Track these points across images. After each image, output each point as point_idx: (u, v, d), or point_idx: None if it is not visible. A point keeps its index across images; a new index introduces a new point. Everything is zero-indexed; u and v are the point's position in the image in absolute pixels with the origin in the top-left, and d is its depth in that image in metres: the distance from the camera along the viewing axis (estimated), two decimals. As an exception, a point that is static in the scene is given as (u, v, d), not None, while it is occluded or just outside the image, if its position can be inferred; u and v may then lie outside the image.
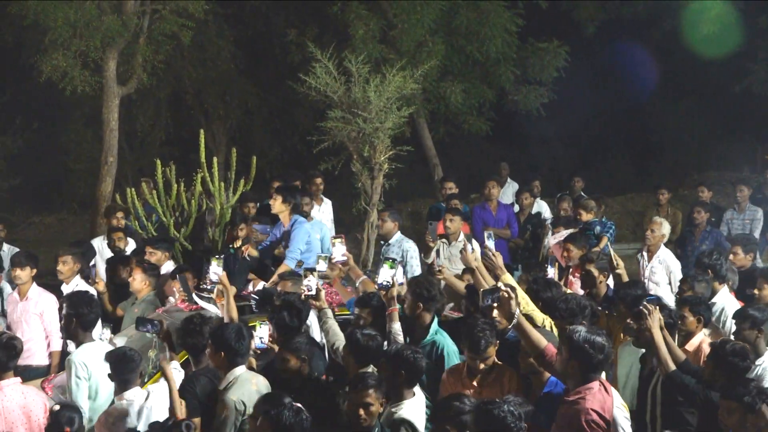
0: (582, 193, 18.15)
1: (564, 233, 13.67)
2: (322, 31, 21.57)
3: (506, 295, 7.27)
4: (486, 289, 7.61)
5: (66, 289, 12.06)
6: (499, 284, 7.75)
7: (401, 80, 14.33)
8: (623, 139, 30.11)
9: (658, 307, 8.28)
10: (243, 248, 12.45)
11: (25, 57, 21.04)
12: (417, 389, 7.78)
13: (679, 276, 12.75)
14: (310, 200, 14.81)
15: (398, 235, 13.45)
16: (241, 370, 8.15)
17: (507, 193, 18.56)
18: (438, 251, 14.04)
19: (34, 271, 11.84)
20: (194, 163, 15.39)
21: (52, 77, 18.42)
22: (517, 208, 17.14)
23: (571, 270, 12.24)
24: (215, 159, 14.62)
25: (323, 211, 15.71)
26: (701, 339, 9.01)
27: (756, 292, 10.91)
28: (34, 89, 22.05)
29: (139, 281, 11.59)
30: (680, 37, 23.71)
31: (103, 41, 18.44)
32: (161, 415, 8.14)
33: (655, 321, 8.02)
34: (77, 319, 9.34)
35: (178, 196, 14.40)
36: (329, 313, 9.23)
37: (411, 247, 13.29)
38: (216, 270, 9.78)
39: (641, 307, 8.17)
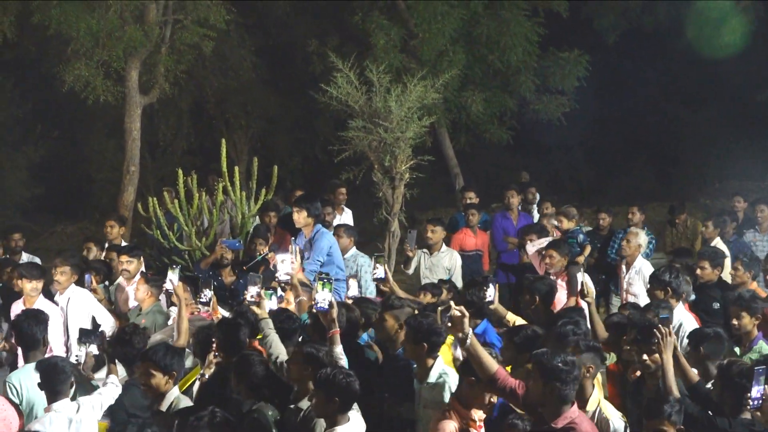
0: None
1: (542, 241, 13.58)
2: (344, 40, 21.60)
3: (458, 315, 7.13)
4: (443, 309, 7.47)
5: (60, 299, 11.98)
6: (451, 303, 7.50)
7: (422, 90, 14.35)
8: (645, 148, 30.01)
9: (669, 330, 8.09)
10: (269, 256, 12.43)
11: (48, 67, 21.13)
12: (352, 413, 7.54)
13: None
14: (332, 210, 14.82)
15: (353, 251, 13.40)
16: (177, 391, 8.15)
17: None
18: (419, 261, 14.08)
19: (41, 282, 11.81)
20: (216, 172, 15.45)
21: (74, 87, 18.50)
22: (537, 216, 17.11)
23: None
24: (237, 168, 14.65)
25: (344, 221, 15.70)
26: None
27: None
28: (57, 99, 22.16)
29: (142, 292, 11.58)
30: (701, 45, 23.64)
31: (126, 51, 18.51)
32: (92, 428, 8.13)
33: (668, 345, 7.80)
34: (21, 338, 9.34)
35: (200, 205, 14.45)
36: (270, 323, 8.94)
37: (365, 263, 13.09)
38: (172, 278, 9.88)
39: (654, 330, 7.95)
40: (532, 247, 13.43)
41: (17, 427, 7.97)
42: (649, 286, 11.13)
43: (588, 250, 13.83)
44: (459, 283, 13.55)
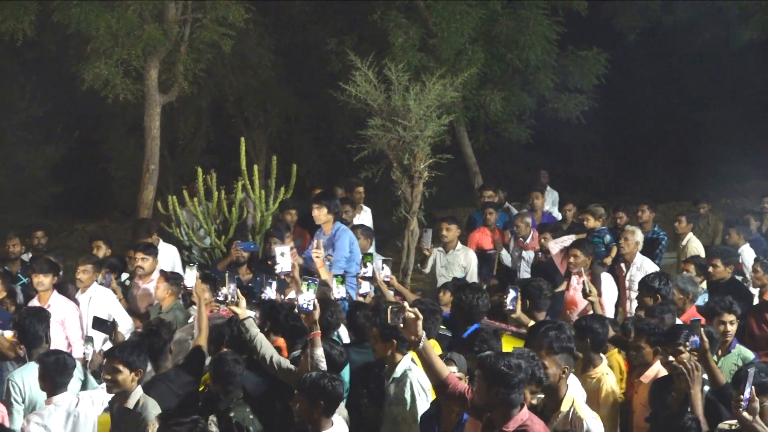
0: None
1: (565, 239, 13.57)
2: (362, 39, 21.60)
3: (412, 317, 7.05)
4: (394, 309, 7.31)
5: (81, 297, 12.06)
6: (405, 304, 7.31)
7: (441, 88, 14.35)
8: (664, 147, 29.92)
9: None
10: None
11: (68, 65, 21.17)
12: (336, 418, 7.49)
13: None
14: (351, 209, 14.85)
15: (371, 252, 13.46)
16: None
17: (546, 201, 18.52)
18: (435, 259, 14.10)
19: (56, 278, 11.84)
20: (235, 171, 15.49)
21: (94, 85, 18.55)
22: (559, 216, 17.11)
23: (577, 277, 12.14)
24: (256, 167, 14.73)
25: (362, 220, 15.71)
26: (657, 370, 8.69)
27: (710, 270, 11.36)
28: (77, 98, 22.20)
29: (162, 290, 11.61)
30: (721, 43, 23.56)
31: (145, 50, 18.55)
32: (90, 422, 8.17)
33: (697, 380, 7.67)
34: (23, 335, 9.40)
35: (219, 203, 14.49)
36: (253, 323, 8.89)
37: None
38: (189, 276, 9.92)
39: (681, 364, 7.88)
40: (555, 245, 13.45)
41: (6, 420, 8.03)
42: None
43: (615, 251, 13.73)
44: (475, 282, 13.60)
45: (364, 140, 14.30)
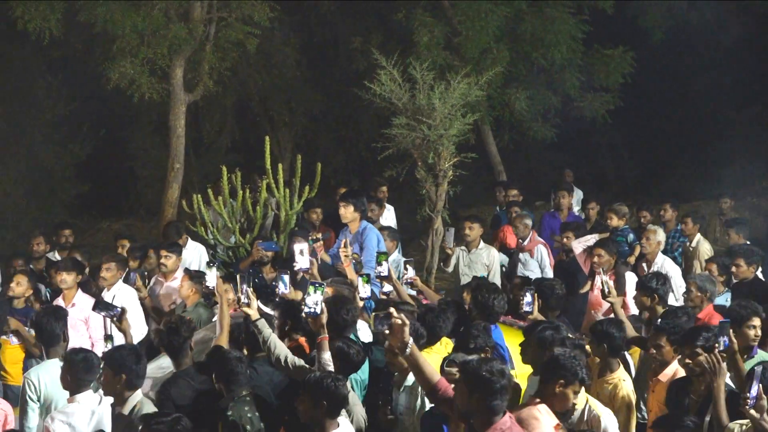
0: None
1: (589, 238, 13.50)
2: (387, 38, 21.60)
3: (399, 323, 6.98)
4: (378, 315, 7.25)
5: (106, 295, 12.10)
6: (392, 310, 7.20)
7: (466, 87, 14.31)
8: (690, 146, 29.75)
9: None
10: (318, 245, 12.50)
11: (94, 65, 21.27)
12: (342, 419, 7.43)
13: (680, 282, 12.51)
14: (377, 207, 14.86)
15: (396, 255, 13.54)
16: (141, 395, 8.05)
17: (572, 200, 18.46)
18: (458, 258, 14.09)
19: (80, 276, 11.88)
20: (259, 169, 15.50)
21: (120, 84, 18.64)
22: (582, 216, 17.05)
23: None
24: (280, 166, 14.70)
25: (386, 218, 15.70)
26: (675, 369, 8.67)
27: (733, 269, 11.48)
28: (103, 96, 22.28)
29: (186, 288, 11.66)
30: (748, 42, 23.41)
31: (170, 49, 18.62)
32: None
33: (721, 374, 7.60)
34: (41, 334, 9.43)
35: (244, 202, 14.51)
36: (265, 324, 8.72)
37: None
38: (210, 276, 9.92)
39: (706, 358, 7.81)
40: (578, 245, 13.39)
41: (12, 419, 8.03)
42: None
43: (638, 250, 13.63)
44: (497, 280, 13.58)
45: (388, 139, 14.27)
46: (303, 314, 8.42)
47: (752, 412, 6.83)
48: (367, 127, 24.01)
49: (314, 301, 8.13)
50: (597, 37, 21.37)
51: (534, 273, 14.04)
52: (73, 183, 26.28)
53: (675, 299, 12.13)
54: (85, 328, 11.58)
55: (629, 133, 27.24)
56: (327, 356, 8.10)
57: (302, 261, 10.15)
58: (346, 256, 10.99)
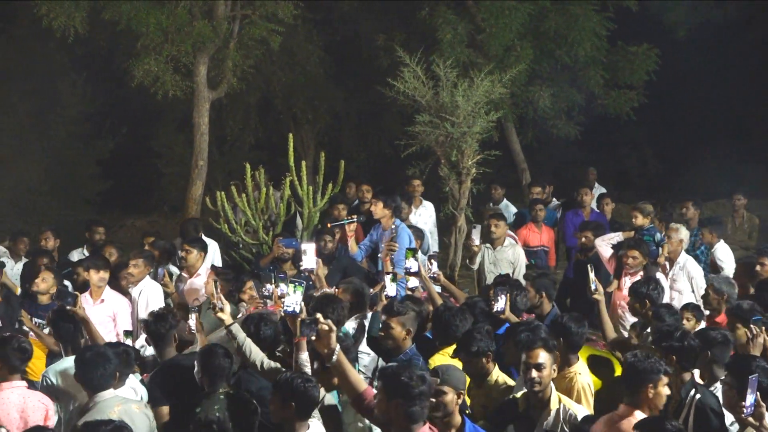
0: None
1: (613, 236, 13.43)
2: (410, 35, 21.57)
3: (326, 329, 6.85)
4: (304, 321, 7.09)
5: (133, 291, 12.18)
6: (318, 316, 7.04)
7: (489, 84, 14.30)
8: (714, 144, 29.62)
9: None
10: (350, 228, 12.60)
11: (118, 62, 21.38)
12: (314, 421, 7.25)
13: (702, 282, 12.40)
14: (406, 205, 14.90)
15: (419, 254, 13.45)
16: (109, 394, 7.96)
17: (594, 198, 18.39)
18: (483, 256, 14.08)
19: (108, 273, 11.93)
20: (283, 167, 15.53)
21: (144, 82, 18.69)
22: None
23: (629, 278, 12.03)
24: (303, 163, 14.74)
25: (421, 215, 15.72)
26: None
27: (758, 268, 11.37)
28: (127, 94, 22.40)
29: (212, 285, 11.69)
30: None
31: (194, 46, 18.66)
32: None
33: (758, 346, 7.60)
34: (58, 333, 9.48)
35: (267, 199, 14.55)
36: (239, 329, 8.62)
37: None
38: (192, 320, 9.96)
39: (750, 326, 7.81)
40: (603, 243, 13.32)
41: (38, 422, 8.05)
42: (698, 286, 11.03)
43: (666, 249, 13.54)
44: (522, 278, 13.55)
45: (412, 136, 14.28)
46: (281, 313, 8.27)
47: (750, 419, 6.82)
48: (390, 125, 24.02)
49: (294, 300, 7.90)
50: (621, 35, 21.29)
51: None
52: (96, 180, 26.44)
53: (696, 299, 12.11)
54: (113, 325, 11.64)
55: (653, 131, 27.15)
56: (304, 357, 7.91)
57: (307, 260, 10.14)
58: (391, 249, 10.99)
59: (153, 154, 27.63)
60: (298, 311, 7.85)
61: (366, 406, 6.83)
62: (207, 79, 19.34)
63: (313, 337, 6.91)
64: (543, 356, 7.68)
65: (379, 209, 12.48)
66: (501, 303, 9.90)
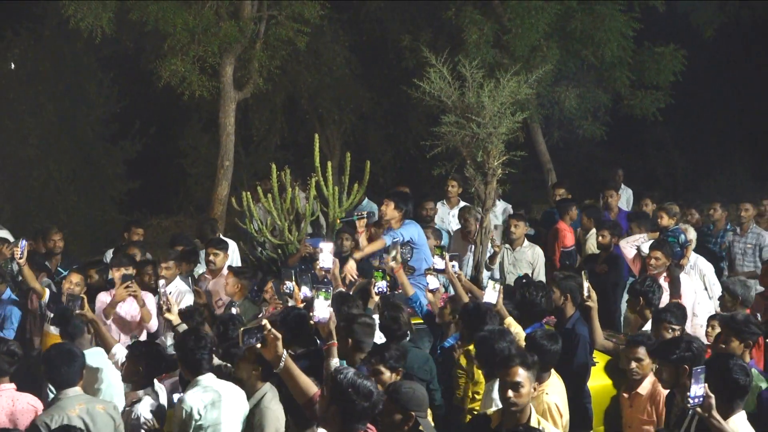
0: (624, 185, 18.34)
1: (638, 237, 13.38)
2: (436, 36, 21.57)
3: (272, 336, 6.70)
4: (247, 329, 6.91)
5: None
6: (264, 323, 6.84)
7: (515, 85, 14.24)
8: (741, 144, 29.48)
9: None
10: (360, 223, 12.61)
11: (145, 62, 21.48)
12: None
13: (714, 280, 12.46)
14: (434, 205, 14.86)
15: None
16: (73, 392, 7.97)
17: (621, 199, 18.34)
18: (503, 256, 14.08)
19: (130, 270, 12.00)
20: (309, 167, 15.55)
21: (170, 82, 18.77)
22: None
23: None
24: (329, 163, 14.76)
25: (454, 215, 15.72)
26: (652, 380, 8.64)
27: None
28: (153, 94, 22.48)
29: (232, 285, 11.81)
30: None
31: (221, 47, 18.73)
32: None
33: None
34: (65, 330, 9.57)
35: (293, 199, 14.58)
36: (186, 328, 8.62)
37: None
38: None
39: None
40: (628, 245, 13.28)
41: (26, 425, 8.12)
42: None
43: (690, 251, 13.48)
44: (542, 278, 13.53)
45: (437, 137, 14.23)
46: (312, 321, 8.08)
47: (698, 410, 6.83)
48: (416, 125, 24.05)
49: (322, 306, 7.71)
50: (647, 35, 21.21)
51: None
52: (123, 180, 26.50)
53: (709, 297, 12.12)
54: (136, 323, 11.72)
55: (679, 132, 27.02)
56: (335, 362, 7.77)
57: (325, 260, 10.11)
58: (394, 259, 10.95)
59: (179, 154, 27.70)
60: (327, 317, 7.72)
61: (316, 410, 6.69)
62: (233, 80, 19.41)
63: (259, 345, 6.77)
64: (521, 374, 7.28)
65: (390, 210, 12.36)
66: (492, 295, 9.74)
